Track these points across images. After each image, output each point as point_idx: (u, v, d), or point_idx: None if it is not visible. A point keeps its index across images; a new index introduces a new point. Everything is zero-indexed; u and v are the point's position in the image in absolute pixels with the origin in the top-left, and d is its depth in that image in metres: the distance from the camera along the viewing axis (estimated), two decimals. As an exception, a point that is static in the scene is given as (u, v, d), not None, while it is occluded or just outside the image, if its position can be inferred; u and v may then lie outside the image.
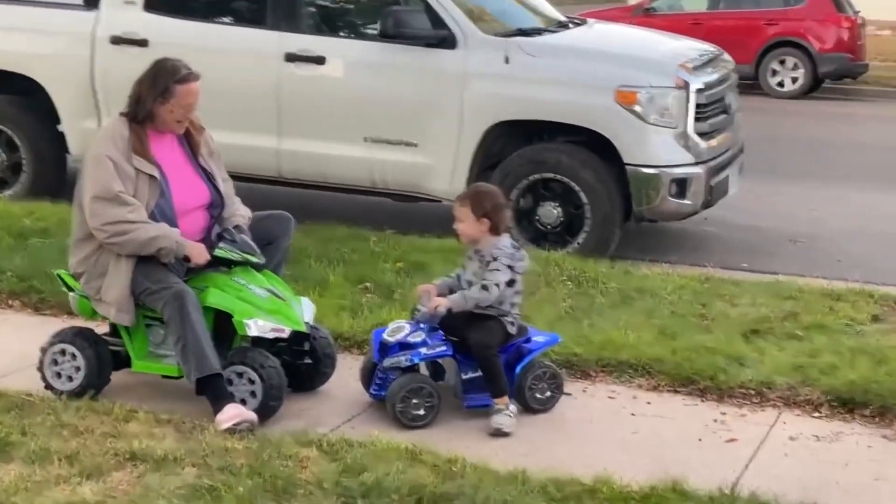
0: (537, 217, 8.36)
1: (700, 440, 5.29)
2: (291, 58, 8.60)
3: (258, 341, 5.43)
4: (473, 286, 5.42)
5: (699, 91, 8.28)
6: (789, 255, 8.90)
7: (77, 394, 5.42)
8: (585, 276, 7.35)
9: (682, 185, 8.15)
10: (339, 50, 8.66)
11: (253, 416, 5.17)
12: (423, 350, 5.40)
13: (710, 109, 8.47)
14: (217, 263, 5.51)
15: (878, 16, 24.40)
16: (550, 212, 8.32)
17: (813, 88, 19.67)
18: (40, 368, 5.58)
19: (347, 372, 5.82)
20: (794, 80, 19.47)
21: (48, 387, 5.54)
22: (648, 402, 5.70)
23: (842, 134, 15.39)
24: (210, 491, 4.36)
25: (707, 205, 8.45)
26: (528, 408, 5.51)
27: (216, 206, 5.71)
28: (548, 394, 5.55)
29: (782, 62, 19.52)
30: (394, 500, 4.37)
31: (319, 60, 8.57)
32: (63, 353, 5.53)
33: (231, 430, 5.02)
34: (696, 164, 8.23)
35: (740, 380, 5.78)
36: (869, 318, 6.72)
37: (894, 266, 8.48)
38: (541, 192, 8.34)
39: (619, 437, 5.31)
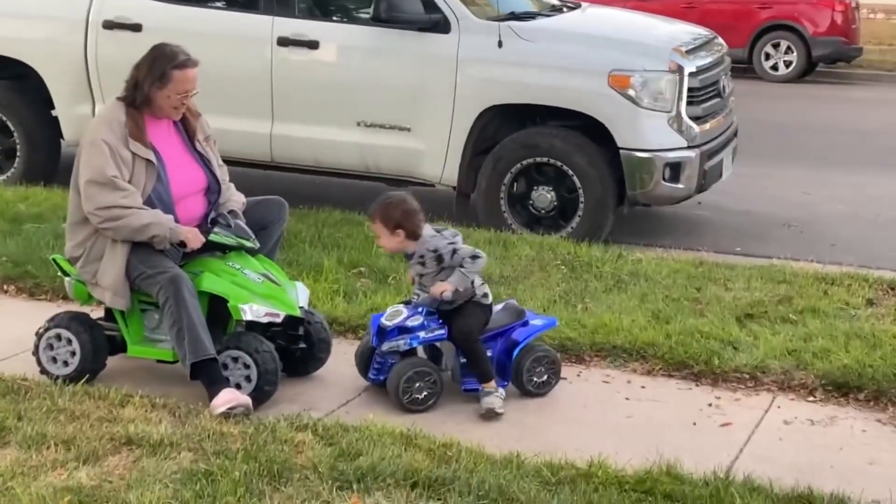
0: (531, 201, 8.36)
1: (694, 424, 5.30)
2: (284, 42, 8.59)
3: (253, 326, 5.43)
4: (454, 270, 5.37)
5: (692, 75, 8.26)
6: (783, 239, 8.89)
7: (72, 378, 5.42)
8: (579, 260, 7.36)
9: (675, 169, 8.14)
10: (332, 34, 8.65)
11: (248, 400, 5.17)
12: (422, 333, 5.39)
13: (703, 93, 8.46)
14: (212, 248, 5.50)
15: (872, -1, 24.44)
16: (544, 196, 8.32)
17: (807, 72, 19.63)
18: (35, 353, 5.58)
19: (342, 357, 5.82)
20: (788, 63, 19.42)
21: (44, 371, 5.55)
22: (643, 387, 5.70)
23: (836, 118, 15.36)
24: (206, 475, 4.36)
25: (701, 189, 8.44)
26: (525, 391, 5.52)
27: (213, 191, 5.71)
28: (545, 377, 5.54)
29: (776, 46, 19.48)
30: (389, 484, 4.38)
31: (313, 45, 8.56)
32: (58, 337, 5.53)
33: (226, 415, 5.02)
34: (690, 147, 8.22)
35: (734, 364, 5.78)
36: (863, 301, 6.73)
37: (888, 250, 8.50)
38: (534, 177, 8.34)
39: (613, 422, 5.31)
